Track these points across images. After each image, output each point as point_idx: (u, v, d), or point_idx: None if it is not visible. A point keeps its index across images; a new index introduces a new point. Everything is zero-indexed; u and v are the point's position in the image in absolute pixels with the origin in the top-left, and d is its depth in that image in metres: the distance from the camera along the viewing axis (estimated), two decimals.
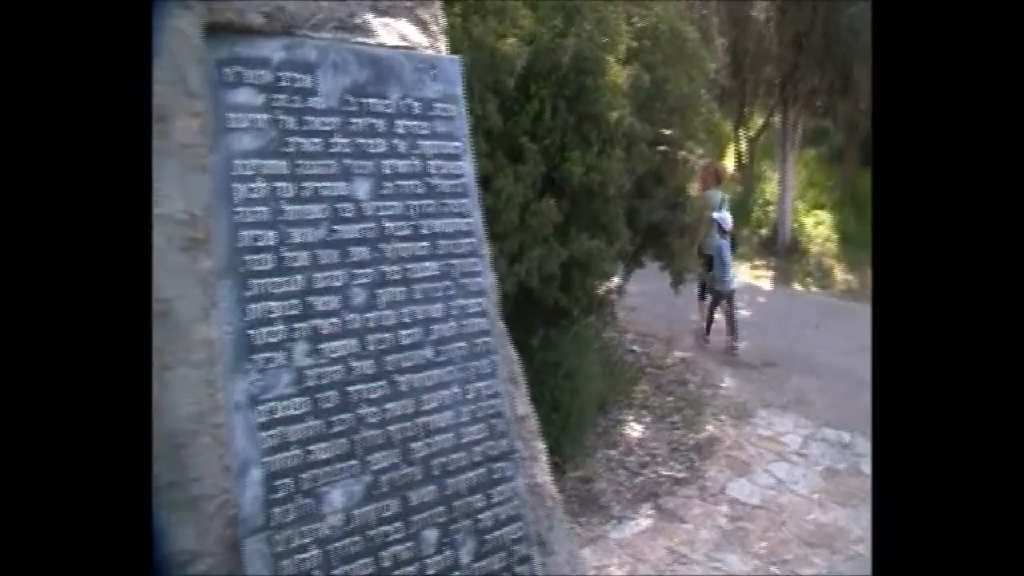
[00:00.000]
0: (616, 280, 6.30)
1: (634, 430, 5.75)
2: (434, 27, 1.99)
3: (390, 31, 1.83)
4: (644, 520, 4.46)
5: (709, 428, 5.87)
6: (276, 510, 1.32)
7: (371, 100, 1.64)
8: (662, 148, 5.82)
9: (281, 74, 1.53)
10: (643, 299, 7.97)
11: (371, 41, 1.75)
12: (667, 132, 5.90)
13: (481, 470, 1.63)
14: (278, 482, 1.33)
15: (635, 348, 7.59)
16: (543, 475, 1.86)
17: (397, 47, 1.79)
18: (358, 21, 1.74)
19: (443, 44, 2.02)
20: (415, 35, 1.90)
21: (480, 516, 1.60)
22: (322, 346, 1.43)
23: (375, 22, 1.80)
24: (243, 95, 1.48)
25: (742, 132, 14.75)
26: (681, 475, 5.05)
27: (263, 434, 1.33)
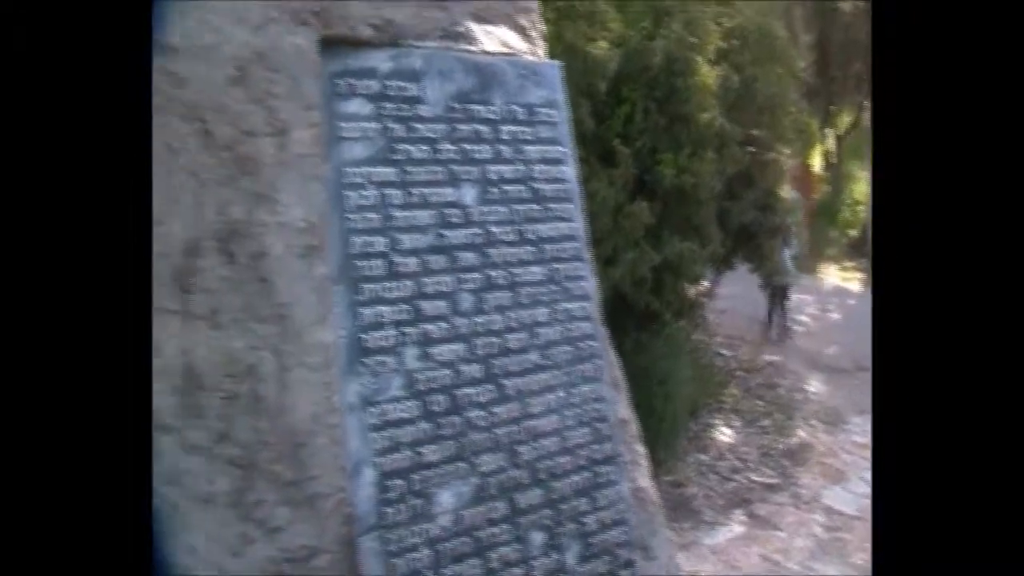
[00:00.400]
0: (706, 283, 6.22)
1: (724, 434, 5.66)
2: (533, 33, 2.00)
3: (492, 38, 1.85)
4: (737, 527, 4.39)
5: (801, 433, 5.74)
6: (389, 509, 1.35)
7: (476, 106, 1.67)
8: (751, 149, 5.72)
9: (389, 83, 1.56)
10: (732, 302, 7.84)
11: (474, 48, 1.77)
12: (756, 133, 5.80)
13: (586, 474, 1.63)
14: (390, 482, 1.36)
15: (724, 351, 7.48)
16: (645, 479, 1.85)
17: (499, 54, 1.81)
18: (461, 29, 1.77)
19: (542, 50, 2.03)
20: (516, 41, 1.92)
21: (585, 520, 1.61)
22: (432, 350, 1.46)
23: (477, 30, 1.82)
24: (354, 105, 1.52)
25: (830, 130, 14.34)
26: (773, 481, 4.95)
27: (375, 435, 1.37)
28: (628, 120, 4.26)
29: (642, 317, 4.48)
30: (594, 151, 3.97)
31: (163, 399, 1.25)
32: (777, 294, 7.99)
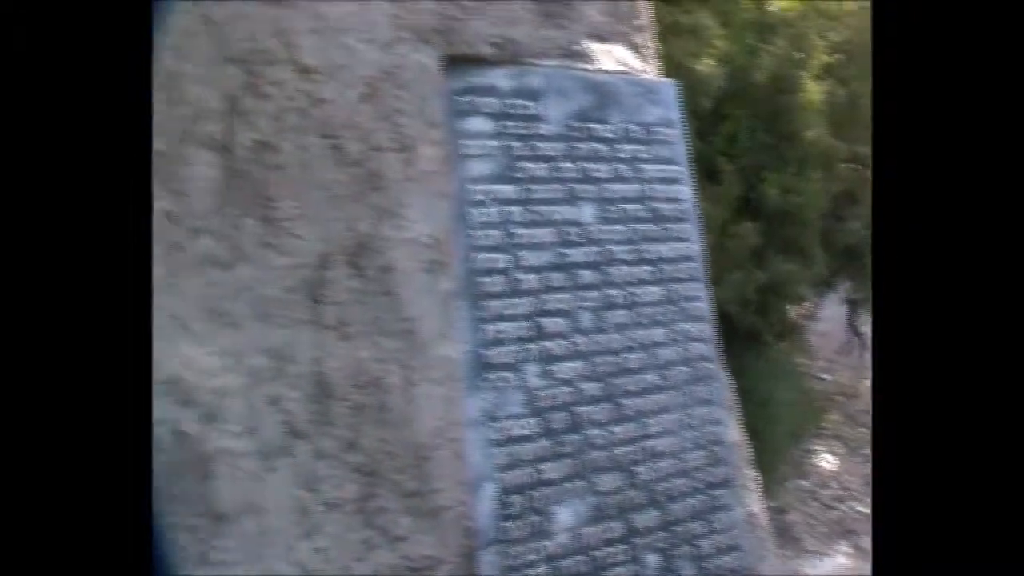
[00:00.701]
0: (808, 304, 6.06)
1: (826, 461, 5.48)
2: (647, 52, 2.00)
3: (609, 57, 1.85)
4: (841, 558, 4.24)
5: None
6: (508, 524, 1.36)
7: (594, 125, 1.67)
8: (857, 166, 5.55)
9: (510, 102, 1.58)
10: (833, 324, 7.61)
11: (592, 67, 1.78)
12: (862, 150, 5.62)
13: (702, 497, 1.61)
14: (510, 498, 1.37)
15: (825, 375, 7.26)
16: (756, 504, 1.81)
17: (616, 72, 1.81)
18: (578, 48, 1.78)
19: (655, 68, 2.03)
20: (631, 60, 1.92)
21: (700, 543, 1.59)
22: (552, 367, 1.47)
23: (594, 48, 1.83)
24: (476, 123, 1.54)
25: None
26: None
27: (496, 451, 1.38)
28: (732, 138, 4.18)
29: (745, 338, 4.39)
30: (698, 169, 3.91)
31: (297, 405, 1.29)
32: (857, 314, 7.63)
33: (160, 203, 1.39)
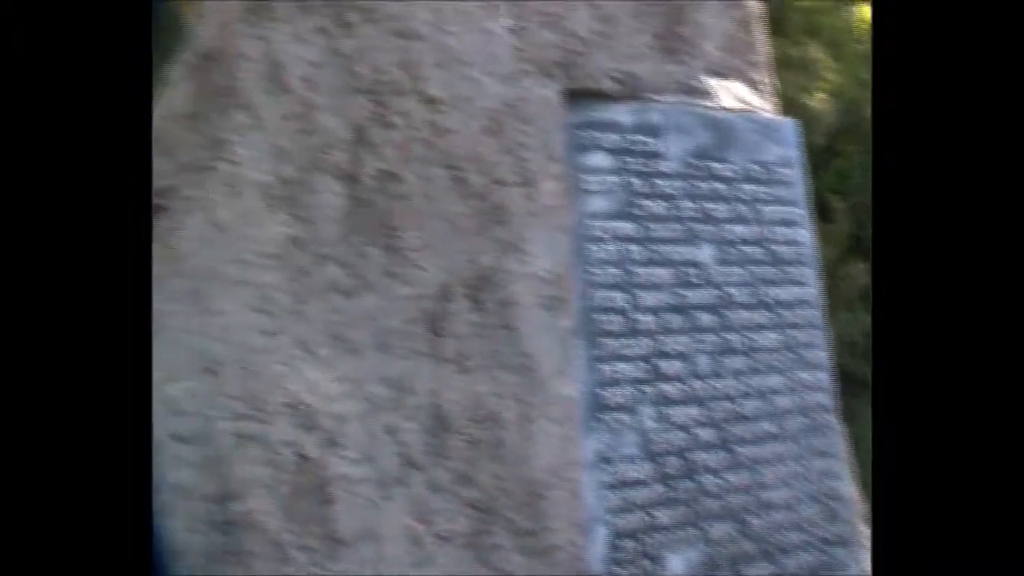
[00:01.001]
0: None
1: None
2: (764, 88, 1.97)
3: (727, 93, 1.83)
4: None
5: None
6: (620, 570, 1.34)
7: (714, 163, 1.65)
8: None
9: (630, 137, 1.57)
10: None
11: (711, 104, 1.75)
12: None
13: (817, 553, 1.55)
14: (622, 542, 1.35)
15: None
16: (868, 563, 1.74)
17: (736, 109, 1.78)
18: (698, 84, 1.76)
19: (773, 105, 1.99)
20: (750, 96, 1.89)
21: None
22: (668, 411, 1.44)
23: (714, 85, 1.81)
24: (596, 158, 1.53)
25: None
26: None
27: (610, 493, 1.36)
28: (844, 175, 4.08)
29: (854, 382, 4.25)
30: (810, 207, 3.82)
31: (414, 436, 1.30)
32: None
33: (288, 229, 1.42)
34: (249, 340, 1.30)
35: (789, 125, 1.84)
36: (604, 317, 1.44)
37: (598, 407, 1.38)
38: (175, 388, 1.27)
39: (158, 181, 1.53)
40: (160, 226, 1.40)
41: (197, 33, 1.72)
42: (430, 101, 1.52)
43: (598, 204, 1.50)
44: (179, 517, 1.23)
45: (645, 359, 1.44)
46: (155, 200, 1.46)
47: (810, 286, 1.69)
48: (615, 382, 1.41)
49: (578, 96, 1.58)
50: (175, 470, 1.24)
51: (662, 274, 1.51)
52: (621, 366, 1.42)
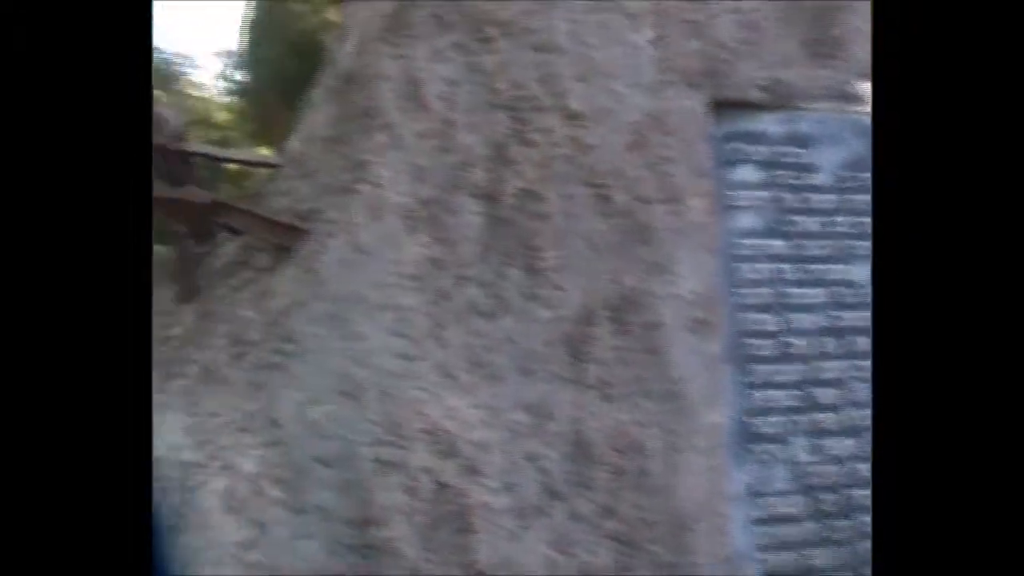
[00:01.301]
0: None
1: None
2: None
3: None
4: None
5: None
6: None
7: (867, 175, 1.54)
8: None
9: (780, 149, 1.49)
10: None
11: (863, 110, 1.64)
12: None
13: None
14: None
15: None
16: None
17: None
18: (850, 89, 1.65)
19: None
20: None
21: None
22: (822, 442, 1.35)
23: (867, 89, 1.69)
24: (744, 172, 1.46)
25: None
26: None
27: (759, 529, 1.28)
28: None
29: None
30: None
31: (555, 465, 1.26)
32: None
33: (427, 251, 1.40)
34: (389, 364, 1.29)
35: None
36: (754, 341, 1.36)
37: (748, 437, 1.31)
38: (317, 411, 1.27)
39: (300, 204, 1.56)
40: (302, 249, 1.42)
41: (338, 56, 1.74)
42: (571, 116, 1.48)
43: (747, 221, 1.43)
44: (320, 539, 1.24)
45: (798, 386, 1.36)
46: (297, 223, 1.48)
47: None
48: (766, 411, 1.34)
49: (724, 106, 1.51)
50: (318, 492, 1.25)
51: (816, 294, 1.42)
52: (772, 393, 1.35)
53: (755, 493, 1.29)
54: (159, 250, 1.76)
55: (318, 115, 1.64)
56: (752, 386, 1.33)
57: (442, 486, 1.25)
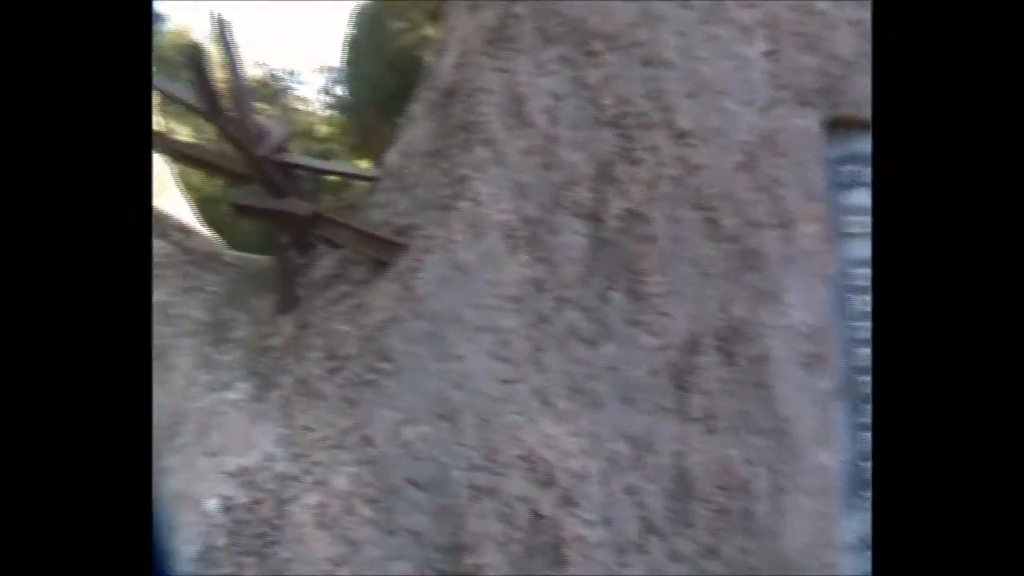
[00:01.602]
0: None
1: None
2: None
3: None
4: None
5: None
6: None
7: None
8: None
9: None
10: None
11: None
12: None
13: None
14: None
15: None
16: None
17: None
18: None
19: None
20: None
21: None
22: None
23: None
24: (860, 196, 1.39)
25: None
26: None
27: None
28: None
29: None
30: None
31: (655, 500, 1.22)
32: None
33: (528, 271, 1.36)
34: (486, 388, 1.26)
35: None
36: (869, 379, 1.28)
37: (860, 483, 1.24)
38: (412, 432, 1.25)
39: (399, 218, 1.55)
40: (400, 264, 1.41)
41: (438, 69, 1.72)
42: (679, 134, 1.42)
43: (862, 249, 1.35)
44: (411, 562, 1.22)
45: None
46: (395, 237, 1.47)
47: None
48: None
49: (840, 126, 1.44)
50: (410, 515, 1.23)
51: None
52: None
53: (867, 545, 1.22)
54: (261, 260, 1.78)
55: (417, 129, 1.62)
56: (866, 427, 1.26)
57: (537, 516, 1.21)
